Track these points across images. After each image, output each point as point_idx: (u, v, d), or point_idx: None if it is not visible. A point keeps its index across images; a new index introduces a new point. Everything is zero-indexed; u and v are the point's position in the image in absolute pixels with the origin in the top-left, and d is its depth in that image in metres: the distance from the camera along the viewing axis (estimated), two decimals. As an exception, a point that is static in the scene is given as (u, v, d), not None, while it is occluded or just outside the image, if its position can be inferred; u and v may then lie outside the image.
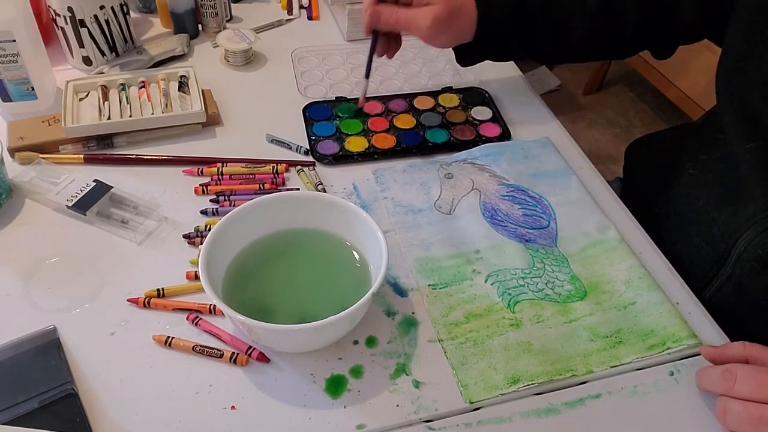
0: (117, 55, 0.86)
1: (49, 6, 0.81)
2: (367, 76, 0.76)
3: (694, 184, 0.70)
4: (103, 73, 0.83)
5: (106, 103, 0.76)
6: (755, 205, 0.61)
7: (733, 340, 0.55)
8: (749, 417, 0.48)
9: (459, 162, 0.75)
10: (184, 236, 0.65)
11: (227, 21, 0.97)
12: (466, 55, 0.76)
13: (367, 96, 0.83)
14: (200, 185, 0.70)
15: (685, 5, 0.71)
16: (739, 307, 0.64)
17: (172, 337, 0.55)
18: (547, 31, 0.73)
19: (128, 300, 0.59)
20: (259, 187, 0.70)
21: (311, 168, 0.73)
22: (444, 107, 0.83)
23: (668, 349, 0.57)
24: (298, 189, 0.71)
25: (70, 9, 0.79)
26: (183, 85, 0.80)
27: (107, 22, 0.82)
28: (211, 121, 0.78)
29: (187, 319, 0.57)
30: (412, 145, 0.77)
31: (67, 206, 0.65)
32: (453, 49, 0.78)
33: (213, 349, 0.55)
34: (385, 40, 0.74)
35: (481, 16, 0.70)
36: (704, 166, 0.70)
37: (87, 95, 0.79)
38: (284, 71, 0.88)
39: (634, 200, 0.74)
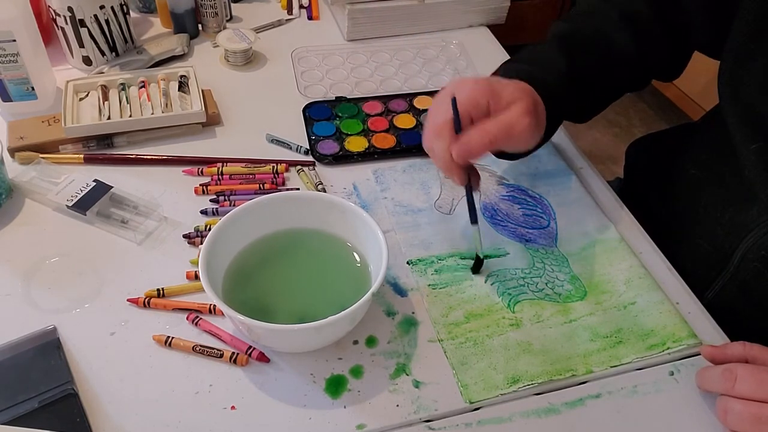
0: (117, 55, 0.86)
1: (49, 6, 0.81)
2: (475, 221, 0.61)
3: (696, 185, 0.70)
4: (103, 73, 0.83)
5: (106, 103, 0.76)
6: (760, 206, 0.61)
7: (733, 341, 0.55)
8: (750, 416, 0.48)
9: (459, 162, 0.74)
10: (184, 236, 0.65)
11: (227, 21, 0.97)
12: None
13: (367, 96, 0.83)
14: (200, 185, 0.70)
15: (692, 23, 0.68)
16: (741, 308, 0.64)
17: (172, 337, 0.55)
18: (594, 93, 0.70)
19: (128, 300, 0.59)
20: (259, 187, 0.70)
21: (311, 168, 0.73)
22: (444, 107, 0.83)
23: (668, 349, 0.57)
24: (298, 189, 0.71)
25: (70, 9, 0.79)
26: (183, 85, 0.80)
27: (107, 22, 0.82)
28: (211, 121, 0.78)
29: (187, 319, 0.57)
30: (412, 145, 0.77)
31: (67, 206, 0.65)
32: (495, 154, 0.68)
33: (213, 349, 0.55)
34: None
35: (543, 96, 0.61)
36: (706, 167, 0.70)
37: (87, 95, 0.79)
38: (284, 71, 0.88)
39: (634, 200, 0.74)
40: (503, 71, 0.65)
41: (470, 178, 0.60)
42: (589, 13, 0.71)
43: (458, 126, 0.57)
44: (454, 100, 0.57)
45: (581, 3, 0.74)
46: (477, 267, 0.63)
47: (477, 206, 0.65)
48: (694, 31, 0.69)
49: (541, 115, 0.60)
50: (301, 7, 1.02)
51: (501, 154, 0.67)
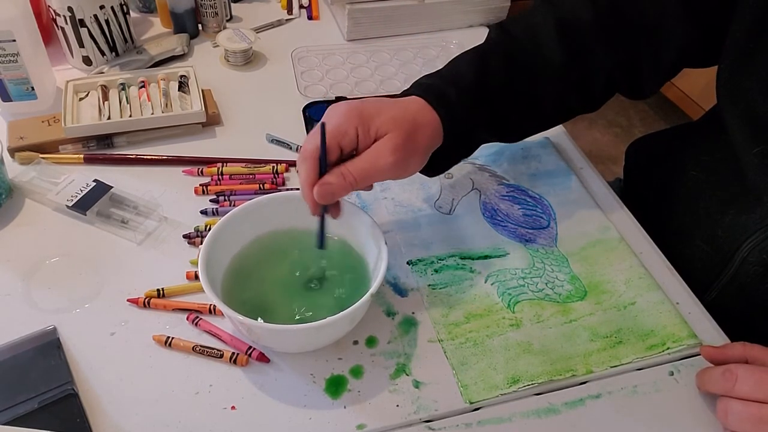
0: (117, 55, 0.86)
1: (49, 6, 0.81)
2: (322, 247, 0.57)
3: (697, 186, 0.70)
4: (103, 72, 0.83)
5: (106, 103, 0.76)
6: (762, 209, 0.61)
7: (733, 341, 0.55)
8: (750, 417, 0.48)
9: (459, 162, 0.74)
10: (184, 236, 0.65)
11: (227, 21, 0.97)
12: (432, 168, 0.62)
13: (367, 96, 0.83)
14: (200, 185, 0.70)
15: (673, 29, 0.61)
16: (741, 310, 0.64)
17: (172, 337, 0.55)
18: (515, 105, 0.62)
19: (128, 300, 0.59)
20: (259, 187, 0.70)
21: (311, 168, 0.73)
22: (444, 107, 0.83)
23: (668, 349, 0.57)
24: (298, 189, 0.70)
25: (70, 9, 0.78)
26: (183, 85, 0.80)
27: (107, 21, 0.82)
28: (211, 121, 0.78)
29: (187, 319, 0.57)
30: (412, 145, 0.77)
31: (67, 206, 0.65)
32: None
33: (213, 349, 0.55)
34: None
35: (442, 114, 0.57)
36: (707, 168, 0.70)
37: (87, 95, 0.79)
38: (284, 71, 0.88)
39: (634, 200, 0.74)
40: (414, 85, 0.61)
41: (329, 207, 0.56)
42: (526, 16, 0.65)
43: (324, 164, 0.53)
44: (323, 129, 0.53)
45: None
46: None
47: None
48: (643, 49, 0.63)
49: (418, 146, 0.56)
50: (301, 7, 1.02)
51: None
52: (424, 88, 0.59)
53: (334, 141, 0.53)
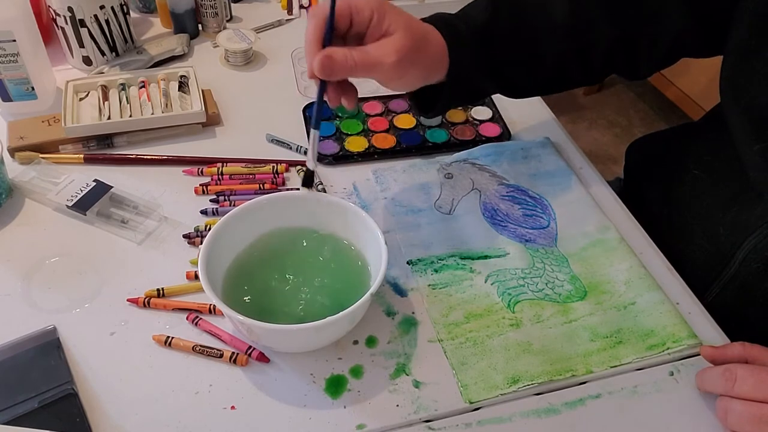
0: (117, 55, 0.86)
1: (49, 6, 0.81)
2: (317, 127, 0.56)
3: (698, 185, 0.70)
4: (103, 73, 0.83)
5: (106, 103, 0.76)
6: (763, 207, 0.61)
7: (733, 341, 0.55)
8: (750, 417, 0.48)
9: (459, 162, 0.74)
10: (184, 236, 0.65)
11: (227, 21, 0.97)
12: (430, 104, 0.64)
13: (368, 96, 0.83)
14: (200, 185, 0.70)
15: (673, 15, 0.63)
16: (742, 308, 0.64)
17: (172, 337, 0.55)
18: (518, 56, 0.64)
19: (128, 300, 0.59)
20: (259, 187, 0.70)
21: (311, 168, 0.73)
22: (444, 107, 0.83)
23: (668, 349, 0.57)
24: (298, 189, 0.71)
25: (70, 9, 0.79)
26: (183, 85, 0.80)
27: (107, 22, 0.82)
28: (211, 121, 0.78)
29: (187, 319, 0.57)
30: (412, 145, 0.77)
31: (67, 206, 0.65)
32: (412, 100, 0.66)
33: (213, 349, 0.55)
34: (336, 85, 0.57)
35: (449, 41, 0.59)
36: (709, 167, 0.70)
37: (87, 95, 0.79)
38: (284, 71, 0.88)
39: (634, 200, 0.74)
40: (430, 16, 0.62)
41: (336, 84, 0.56)
42: None
43: (330, 27, 0.53)
44: (332, 4, 0.52)
45: None
46: (308, 181, 0.59)
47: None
48: (643, 26, 0.64)
49: (422, 59, 0.57)
50: (301, 7, 1.02)
51: (423, 103, 0.65)
52: (437, 16, 0.61)
53: (347, 9, 0.54)
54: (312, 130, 0.57)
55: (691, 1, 0.62)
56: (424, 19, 0.61)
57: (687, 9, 0.62)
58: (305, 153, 0.75)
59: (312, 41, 0.53)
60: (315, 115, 0.56)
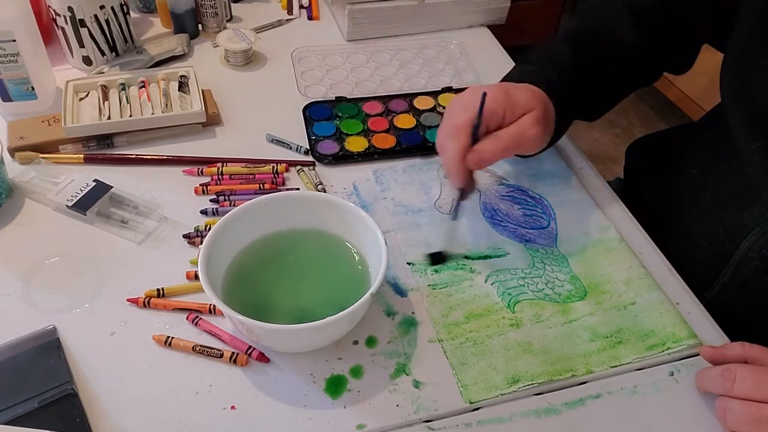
0: (117, 55, 0.86)
1: (49, 6, 0.81)
2: (455, 218, 0.66)
3: (697, 185, 0.70)
4: (103, 72, 0.83)
5: (106, 102, 0.76)
6: (762, 205, 0.61)
7: (734, 341, 0.55)
8: (749, 417, 0.48)
9: (459, 162, 0.74)
10: (184, 236, 0.65)
11: (227, 21, 0.97)
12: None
13: (368, 96, 0.83)
14: (200, 185, 0.70)
15: (698, 15, 0.68)
16: (742, 307, 0.64)
17: (172, 337, 0.55)
18: (599, 86, 0.70)
19: (128, 300, 0.59)
20: (259, 187, 0.70)
21: (311, 168, 0.73)
22: (444, 107, 0.83)
23: (668, 349, 0.57)
24: (298, 189, 0.71)
25: (70, 9, 0.79)
26: (183, 85, 0.80)
27: (107, 21, 0.82)
28: (211, 121, 0.78)
29: (187, 319, 0.57)
30: (412, 145, 0.77)
31: (67, 206, 0.65)
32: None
33: (213, 349, 0.55)
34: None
35: (552, 96, 0.64)
36: (708, 167, 0.70)
37: (87, 95, 0.79)
38: (284, 71, 0.88)
39: (634, 200, 0.74)
40: (517, 73, 0.66)
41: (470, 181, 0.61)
42: (595, 6, 0.71)
43: (477, 132, 0.58)
44: (483, 101, 0.57)
45: None
46: (436, 260, 0.64)
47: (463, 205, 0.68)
48: (698, 23, 0.69)
49: (550, 120, 0.62)
50: (301, 7, 1.02)
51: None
52: (522, 73, 0.65)
53: (483, 120, 0.58)
54: (452, 221, 0.66)
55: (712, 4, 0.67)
56: (509, 79, 0.66)
57: (709, 8, 0.68)
58: (306, 153, 0.75)
59: (460, 155, 0.58)
60: (455, 208, 0.65)
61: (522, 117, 0.60)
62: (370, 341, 0.57)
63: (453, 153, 0.58)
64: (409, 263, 0.63)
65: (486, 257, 0.64)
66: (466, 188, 0.61)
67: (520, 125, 0.59)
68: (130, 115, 0.75)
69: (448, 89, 0.86)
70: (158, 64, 0.86)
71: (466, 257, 0.64)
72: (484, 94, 0.57)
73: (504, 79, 0.67)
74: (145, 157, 0.73)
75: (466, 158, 0.58)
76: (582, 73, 0.66)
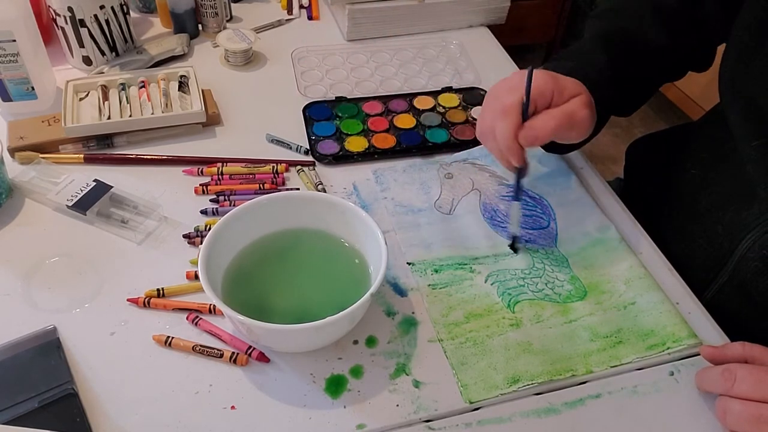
0: (117, 55, 0.86)
1: (49, 6, 0.81)
2: (518, 198, 0.65)
3: (697, 184, 0.70)
4: (103, 72, 0.83)
5: (106, 102, 0.76)
6: (760, 205, 0.61)
7: (733, 341, 0.55)
8: (749, 416, 0.48)
9: (459, 162, 0.75)
10: (184, 236, 0.65)
11: (227, 21, 0.97)
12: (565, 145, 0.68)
13: (367, 96, 0.83)
14: (200, 185, 0.70)
15: (713, 16, 0.68)
16: (741, 307, 0.64)
17: (172, 337, 0.55)
18: (630, 84, 0.70)
19: (128, 300, 0.59)
20: (259, 187, 0.70)
21: (311, 168, 0.73)
22: (444, 107, 0.83)
23: (668, 349, 0.57)
24: (298, 189, 0.71)
25: (70, 9, 0.79)
26: (183, 85, 0.80)
27: (107, 21, 0.82)
28: (211, 121, 0.78)
29: (187, 319, 0.57)
30: (412, 145, 0.77)
31: (67, 206, 0.65)
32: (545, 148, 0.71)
33: (213, 349, 0.55)
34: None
35: (592, 91, 0.63)
36: (707, 166, 0.70)
37: (87, 95, 0.79)
38: (284, 71, 0.88)
39: (634, 200, 0.74)
40: (553, 69, 0.66)
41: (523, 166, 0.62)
42: (621, 9, 0.72)
43: (526, 111, 0.58)
44: (530, 76, 0.57)
45: None
46: (514, 245, 0.65)
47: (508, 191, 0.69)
48: (713, 23, 0.69)
49: (594, 109, 0.62)
50: (301, 7, 1.02)
51: (549, 147, 0.69)
52: (570, 71, 0.64)
53: (531, 100, 0.58)
54: (514, 203, 0.64)
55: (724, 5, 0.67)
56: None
57: (721, 9, 0.68)
58: (306, 153, 0.75)
59: (513, 134, 0.58)
60: (516, 187, 0.64)
61: (571, 100, 0.59)
62: (370, 341, 0.57)
63: (506, 132, 0.58)
64: (409, 263, 0.63)
65: (486, 257, 0.64)
66: (524, 167, 0.61)
67: (571, 105, 0.59)
68: (130, 115, 0.75)
69: (447, 89, 0.86)
70: (158, 64, 0.86)
71: (467, 257, 0.64)
72: (531, 72, 0.57)
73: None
74: (145, 157, 0.73)
75: (519, 136, 0.58)
76: (617, 72, 0.67)
